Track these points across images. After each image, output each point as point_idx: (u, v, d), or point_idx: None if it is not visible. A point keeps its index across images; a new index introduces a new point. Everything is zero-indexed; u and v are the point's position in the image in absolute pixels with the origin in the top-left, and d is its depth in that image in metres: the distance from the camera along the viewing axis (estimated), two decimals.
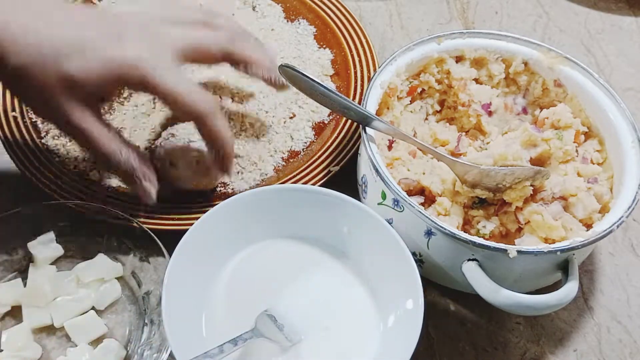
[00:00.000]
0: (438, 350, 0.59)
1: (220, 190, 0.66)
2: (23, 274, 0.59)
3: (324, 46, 0.79)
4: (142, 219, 0.61)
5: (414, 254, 0.55)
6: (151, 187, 0.59)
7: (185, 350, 0.50)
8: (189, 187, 0.63)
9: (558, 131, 0.62)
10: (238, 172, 0.67)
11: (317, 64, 0.77)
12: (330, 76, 0.76)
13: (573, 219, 0.58)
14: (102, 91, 0.56)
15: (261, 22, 0.80)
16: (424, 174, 0.62)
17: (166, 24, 0.58)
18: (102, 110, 0.60)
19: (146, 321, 0.58)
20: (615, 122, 0.61)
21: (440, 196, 0.60)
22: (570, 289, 0.52)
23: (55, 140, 0.68)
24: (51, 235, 0.60)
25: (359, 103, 0.64)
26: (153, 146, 0.64)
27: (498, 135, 0.66)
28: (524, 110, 0.69)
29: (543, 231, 0.56)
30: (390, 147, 0.65)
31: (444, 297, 0.62)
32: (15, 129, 0.68)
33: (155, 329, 0.56)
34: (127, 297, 0.60)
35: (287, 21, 0.81)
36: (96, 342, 0.56)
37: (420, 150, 0.63)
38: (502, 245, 0.52)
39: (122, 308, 0.59)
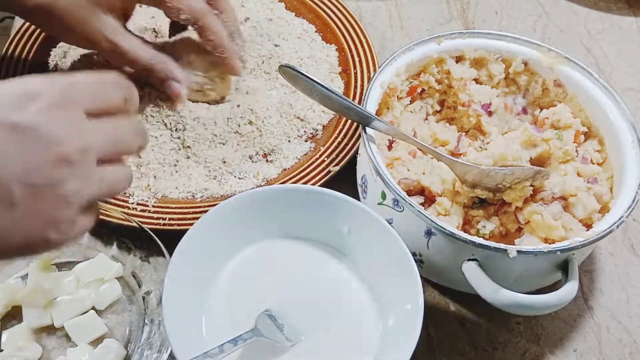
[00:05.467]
0: (438, 350, 0.59)
1: (221, 190, 0.66)
2: (23, 274, 0.59)
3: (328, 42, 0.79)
4: (142, 219, 0.61)
5: (414, 254, 0.55)
6: (182, 87, 0.67)
7: (185, 350, 0.50)
8: (204, 98, 0.69)
9: (558, 131, 0.62)
10: (240, 178, 0.67)
11: (326, 62, 0.77)
12: (339, 73, 0.77)
13: (573, 219, 0.58)
14: (124, 3, 0.65)
15: (273, 13, 0.80)
16: (424, 174, 0.62)
17: None
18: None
19: (146, 321, 0.58)
20: (615, 122, 0.61)
21: (440, 196, 0.60)
22: (570, 289, 0.52)
23: None
24: None
25: (359, 103, 0.64)
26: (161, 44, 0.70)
27: (498, 135, 0.66)
28: (524, 110, 0.69)
29: (543, 231, 0.56)
30: (390, 147, 0.65)
31: (444, 297, 0.62)
32: None
33: (155, 329, 0.56)
34: (127, 297, 0.60)
35: (294, 15, 0.81)
36: (96, 342, 0.56)
37: (420, 150, 0.63)
38: (502, 245, 0.52)
39: (122, 308, 0.59)
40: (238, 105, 0.70)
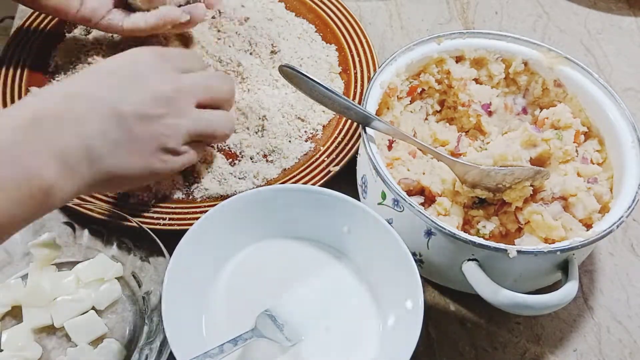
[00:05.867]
0: (438, 350, 0.59)
1: (221, 190, 0.66)
2: (23, 274, 0.59)
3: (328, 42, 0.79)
4: (142, 219, 0.61)
5: (414, 254, 0.55)
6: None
7: (185, 350, 0.50)
8: None
9: (558, 131, 0.62)
10: (241, 178, 0.67)
11: (326, 62, 0.77)
12: (339, 73, 0.77)
13: (573, 219, 0.58)
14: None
15: (273, 13, 0.80)
16: (424, 174, 0.62)
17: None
18: None
19: (146, 321, 0.58)
20: (615, 122, 0.61)
21: (440, 196, 0.60)
22: (570, 289, 0.52)
23: None
24: (51, 235, 0.60)
25: (359, 103, 0.64)
26: None
27: (498, 135, 0.66)
28: (524, 110, 0.69)
29: (543, 231, 0.56)
30: (390, 147, 0.65)
31: (444, 297, 0.62)
32: None
33: (155, 328, 0.56)
34: (127, 297, 0.60)
35: (294, 15, 0.81)
36: (96, 342, 0.56)
37: (420, 150, 0.63)
38: (502, 245, 0.52)
39: (122, 308, 0.59)
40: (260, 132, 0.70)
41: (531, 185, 0.58)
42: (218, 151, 0.68)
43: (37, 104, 0.48)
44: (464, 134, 0.67)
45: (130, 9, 0.69)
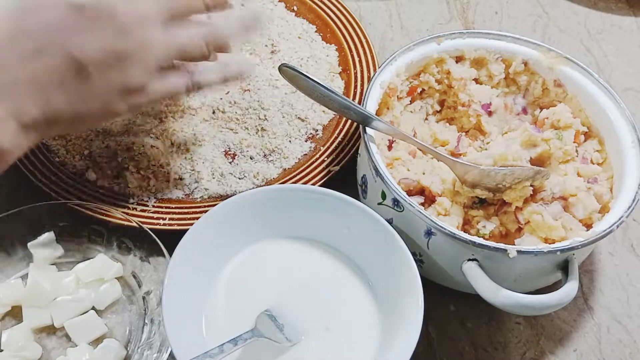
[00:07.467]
0: (438, 350, 0.59)
1: (221, 190, 0.66)
2: (23, 274, 0.59)
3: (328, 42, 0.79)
4: (142, 219, 0.61)
5: (414, 254, 0.55)
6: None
7: (185, 350, 0.50)
8: None
9: (558, 131, 0.62)
10: (240, 178, 0.67)
11: (326, 62, 0.77)
12: (339, 73, 0.77)
13: (573, 219, 0.58)
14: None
15: (273, 13, 0.80)
16: (424, 174, 0.62)
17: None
18: None
19: (146, 321, 0.58)
20: (615, 122, 0.61)
21: (440, 196, 0.60)
22: (570, 289, 0.52)
23: (56, 140, 0.68)
24: (51, 235, 0.60)
25: (359, 103, 0.64)
26: None
27: (498, 135, 0.66)
28: (524, 110, 0.69)
29: (543, 231, 0.56)
30: (390, 147, 0.65)
31: (444, 297, 0.62)
32: None
33: (155, 329, 0.56)
34: (127, 297, 0.60)
35: (294, 15, 0.81)
36: (96, 342, 0.56)
37: (420, 150, 0.63)
38: (502, 245, 0.52)
39: (122, 308, 0.59)
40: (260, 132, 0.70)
41: (531, 185, 0.58)
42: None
43: None
44: (464, 134, 0.67)
45: None
